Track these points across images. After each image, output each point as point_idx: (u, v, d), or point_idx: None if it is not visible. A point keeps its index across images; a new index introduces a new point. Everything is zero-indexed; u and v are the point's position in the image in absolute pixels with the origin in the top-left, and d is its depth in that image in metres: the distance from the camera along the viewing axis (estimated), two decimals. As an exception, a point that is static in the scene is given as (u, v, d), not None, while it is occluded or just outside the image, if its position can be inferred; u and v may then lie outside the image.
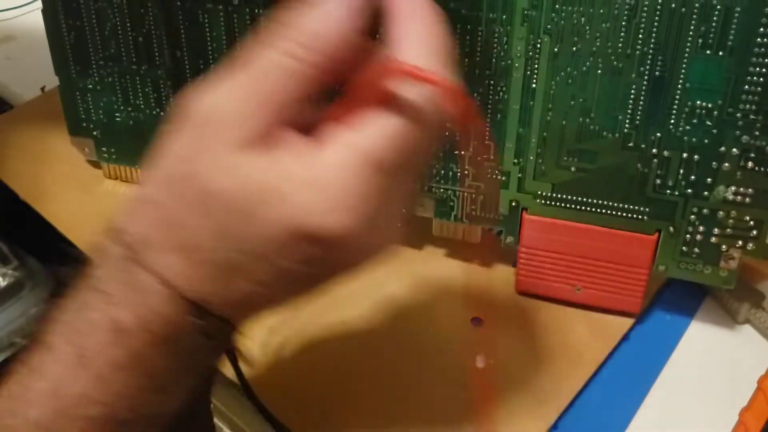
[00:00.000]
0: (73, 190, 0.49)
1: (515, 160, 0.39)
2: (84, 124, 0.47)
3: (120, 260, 0.25)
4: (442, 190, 0.41)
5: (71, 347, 0.24)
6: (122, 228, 0.25)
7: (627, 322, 0.42)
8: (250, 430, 0.40)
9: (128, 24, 0.42)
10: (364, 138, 0.23)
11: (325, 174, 0.23)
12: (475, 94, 0.38)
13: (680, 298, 0.43)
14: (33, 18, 0.42)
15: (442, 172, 0.41)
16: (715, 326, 0.42)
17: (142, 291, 0.24)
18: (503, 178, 0.40)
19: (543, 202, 0.40)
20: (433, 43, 0.24)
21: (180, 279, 0.24)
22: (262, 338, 0.41)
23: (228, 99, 0.23)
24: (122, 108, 0.45)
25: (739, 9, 0.32)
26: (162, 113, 0.45)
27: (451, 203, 0.42)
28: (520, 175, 0.39)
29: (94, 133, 0.47)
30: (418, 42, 0.24)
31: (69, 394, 0.24)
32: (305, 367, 0.40)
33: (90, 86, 0.45)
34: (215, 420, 0.43)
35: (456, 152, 0.40)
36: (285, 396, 0.38)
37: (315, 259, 0.24)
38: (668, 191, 0.37)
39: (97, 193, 0.49)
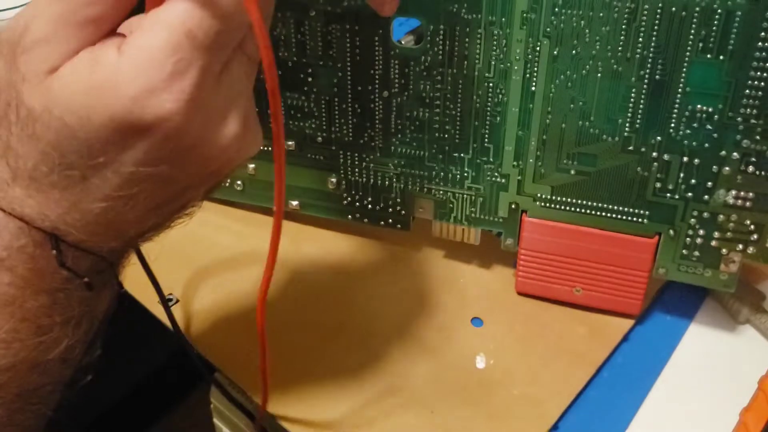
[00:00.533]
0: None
1: (515, 163, 0.39)
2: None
3: None
4: (441, 192, 0.41)
5: None
6: None
7: (627, 323, 0.42)
8: (250, 430, 0.40)
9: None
10: (168, 12, 0.23)
11: (135, 58, 0.22)
12: (474, 97, 0.38)
13: (681, 298, 0.43)
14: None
15: (442, 174, 0.41)
16: (715, 326, 0.42)
17: None
18: (503, 181, 0.40)
19: (543, 204, 0.40)
20: None
21: (27, 208, 0.24)
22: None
23: (38, 23, 0.23)
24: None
25: (739, 13, 0.32)
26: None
27: (451, 205, 0.42)
28: (519, 177, 0.39)
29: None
30: None
31: None
32: (304, 368, 0.40)
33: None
34: (215, 420, 0.43)
35: (455, 155, 0.40)
36: (284, 396, 0.38)
37: (156, 156, 0.24)
38: (668, 195, 0.37)
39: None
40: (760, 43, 0.32)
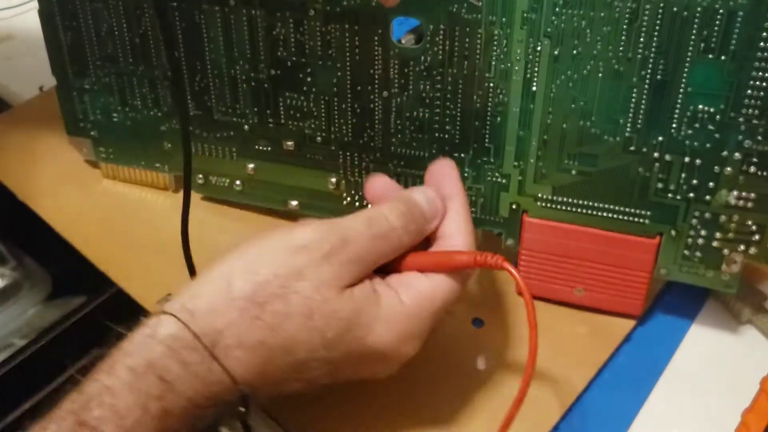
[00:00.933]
0: (72, 190, 0.49)
1: (515, 163, 0.39)
2: (81, 124, 0.47)
3: (190, 348, 0.28)
4: (441, 192, 0.41)
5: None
6: (206, 318, 0.29)
7: (629, 323, 0.42)
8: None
9: (124, 25, 0.42)
10: (427, 307, 0.33)
11: (414, 309, 0.32)
12: (475, 96, 0.38)
13: (682, 298, 0.43)
14: (31, 18, 0.42)
15: (442, 174, 0.41)
16: (717, 327, 0.42)
17: (208, 380, 0.29)
18: (504, 181, 0.40)
19: (544, 204, 0.39)
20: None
21: (240, 370, 0.29)
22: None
23: (358, 247, 0.31)
24: (119, 108, 0.45)
25: (741, 14, 0.32)
26: (159, 113, 0.45)
27: (451, 205, 0.41)
28: (520, 177, 0.39)
29: (92, 133, 0.47)
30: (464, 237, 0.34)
31: None
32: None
33: (87, 87, 0.45)
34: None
35: (456, 155, 0.40)
36: (284, 398, 0.38)
37: (367, 368, 0.33)
38: (670, 195, 0.37)
39: (96, 193, 0.49)
40: (762, 44, 0.32)
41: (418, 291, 0.32)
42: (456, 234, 0.34)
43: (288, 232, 0.31)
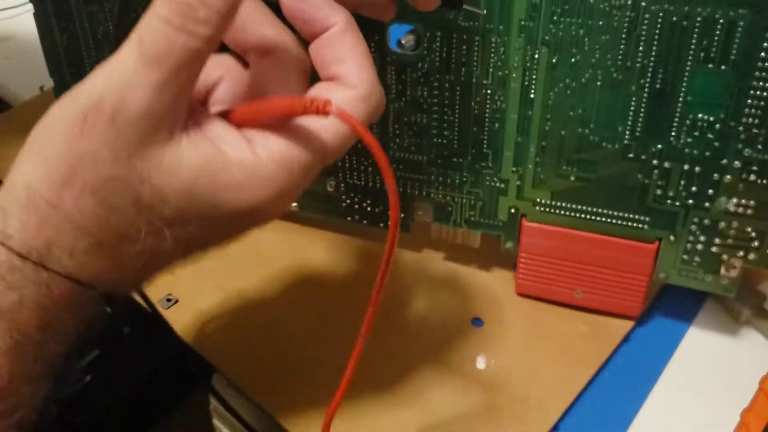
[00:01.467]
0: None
1: (514, 169, 0.39)
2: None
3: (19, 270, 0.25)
4: (440, 196, 0.41)
5: None
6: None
7: (628, 323, 0.42)
8: (249, 430, 0.41)
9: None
10: (289, 156, 0.27)
11: (274, 166, 0.26)
12: (472, 103, 0.37)
13: (682, 298, 0.43)
14: (31, 18, 0.42)
15: (441, 178, 0.40)
16: (716, 327, 0.42)
17: (52, 296, 0.25)
18: (502, 186, 0.39)
19: (542, 209, 0.39)
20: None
21: (98, 274, 0.26)
22: (260, 336, 0.41)
23: (144, 94, 0.24)
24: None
25: (742, 24, 0.31)
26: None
27: (450, 209, 0.41)
28: (519, 183, 0.39)
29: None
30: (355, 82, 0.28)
31: None
32: (303, 367, 0.40)
33: (85, 89, 0.45)
34: (214, 421, 0.43)
35: (454, 160, 0.39)
36: (284, 397, 0.39)
37: (231, 229, 0.28)
38: (669, 201, 0.37)
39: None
40: (762, 54, 0.32)
41: (279, 143, 0.27)
42: (341, 60, 0.28)
43: (65, 104, 0.25)
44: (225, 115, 0.27)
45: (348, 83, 0.27)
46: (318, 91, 0.28)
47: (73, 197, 0.24)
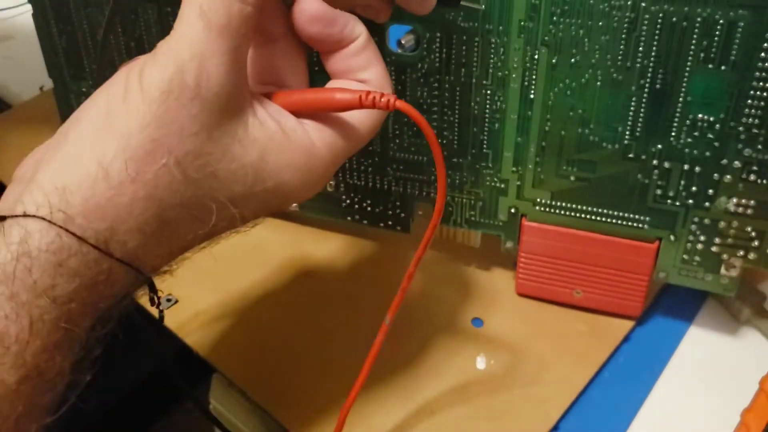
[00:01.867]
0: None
1: (513, 169, 0.39)
2: (81, 126, 0.46)
3: (78, 255, 0.23)
4: (440, 196, 0.41)
5: None
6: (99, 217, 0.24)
7: (628, 323, 0.42)
8: (250, 430, 0.41)
9: (120, 29, 0.41)
10: (339, 145, 0.28)
11: (327, 153, 0.28)
12: (472, 103, 0.37)
13: (682, 298, 0.43)
14: (31, 18, 0.42)
15: (441, 178, 0.40)
16: (717, 326, 0.42)
17: (109, 281, 0.24)
18: (502, 186, 0.39)
19: (542, 209, 0.39)
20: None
21: (150, 257, 0.25)
22: (260, 336, 0.41)
23: (220, 64, 0.24)
24: (118, 111, 0.45)
25: (742, 24, 0.31)
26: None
27: (450, 209, 0.41)
28: (519, 183, 0.39)
29: (92, 134, 0.47)
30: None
31: None
32: (303, 367, 0.40)
33: (84, 90, 0.45)
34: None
35: (454, 160, 0.39)
36: (282, 397, 0.39)
37: (280, 205, 0.29)
38: (669, 201, 0.37)
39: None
40: (763, 54, 0.32)
41: (331, 132, 0.28)
42: (366, 67, 0.29)
43: (133, 77, 0.24)
44: (283, 97, 0.28)
45: (374, 87, 0.29)
46: (346, 82, 0.29)
47: (154, 170, 0.24)
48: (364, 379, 0.32)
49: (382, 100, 0.26)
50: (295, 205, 0.45)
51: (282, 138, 0.26)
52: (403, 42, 0.38)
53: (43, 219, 0.22)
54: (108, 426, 0.37)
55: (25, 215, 0.23)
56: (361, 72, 0.29)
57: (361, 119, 0.29)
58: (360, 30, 0.28)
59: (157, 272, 0.26)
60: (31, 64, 0.43)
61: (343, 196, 0.43)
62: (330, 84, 0.29)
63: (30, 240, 0.22)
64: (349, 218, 0.44)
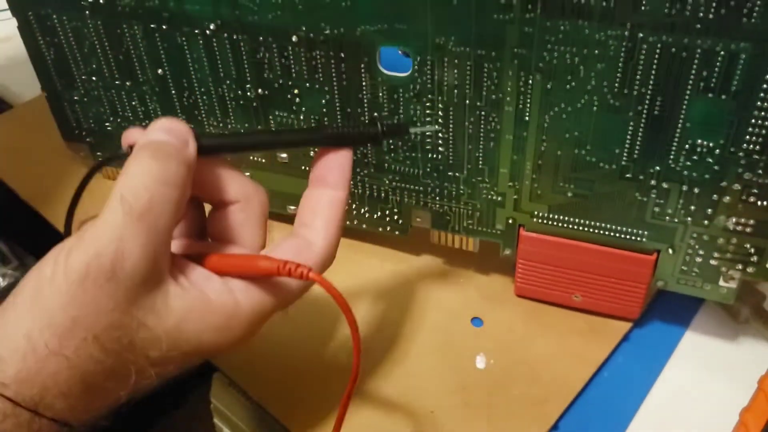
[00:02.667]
0: (73, 190, 0.49)
1: (510, 183, 0.38)
2: (76, 131, 0.46)
3: (11, 416, 0.26)
4: (438, 205, 0.41)
5: None
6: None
7: (628, 323, 0.42)
8: (250, 430, 0.42)
9: (106, 43, 0.40)
10: (265, 304, 0.30)
11: (250, 314, 0.30)
12: (466, 123, 0.36)
13: (681, 298, 0.42)
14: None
15: (437, 190, 0.40)
16: (715, 326, 0.42)
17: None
18: (499, 198, 0.39)
19: (540, 221, 0.39)
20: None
21: (78, 414, 0.27)
22: (260, 336, 0.42)
23: (135, 247, 0.26)
24: (112, 119, 0.44)
25: (744, 56, 0.30)
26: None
27: (448, 217, 0.41)
28: (515, 196, 0.38)
29: (88, 139, 0.46)
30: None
31: None
32: (303, 368, 0.41)
33: (77, 98, 0.44)
34: (215, 420, 0.45)
35: (450, 173, 0.39)
36: (282, 397, 0.39)
37: (201, 359, 0.31)
38: (667, 218, 0.36)
39: (98, 193, 0.49)
40: (765, 85, 0.31)
41: (257, 291, 0.30)
42: (320, 228, 0.31)
43: (60, 259, 0.27)
44: (199, 259, 0.30)
45: (318, 243, 0.31)
46: (292, 243, 0.31)
47: (74, 345, 0.26)
48: (352, 387, 0.34)
49: (297, 270, 0.28)
50: (293, 208, 0.44)
51: (202, 303, 0.28)
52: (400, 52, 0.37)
53: None
54: (108, 426, 0.38)
55: None
56: (318, 219, 0.32)
57: (287, 280, 0.30)
58: (342, 187, 0.32)
59: (87, 425, 0.28)
60: (31, 65, 0.43)
61: (341, 202, 0.43)
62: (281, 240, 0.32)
63: None
64: (347, 222, 0.44)
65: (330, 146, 0.32)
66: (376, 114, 0.38)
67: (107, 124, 0.45)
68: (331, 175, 0.32)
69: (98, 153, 0.47)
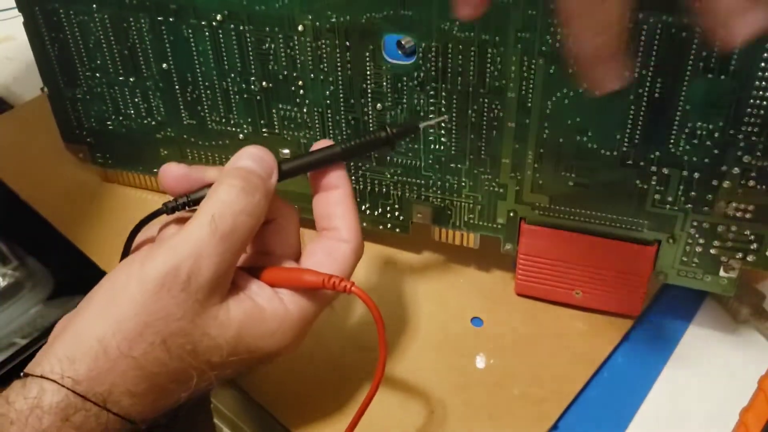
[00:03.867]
0: (73, 190, 0.49)
1: (512, 174, 0.38)
2: (77, 132, 0.46)
3: (82, 410, 0.28)
4: (439, 200, 0.41)
5: None
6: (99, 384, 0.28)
7: (627, 322, 0.42)
8: (250, 430, 0.41)
9: (112, 38, 0.41)
10: (311, 310, 0.33)
11: (296, 319, 0.32)
12: (469, 111, 0.37)
13: (681, 297, 0.43)
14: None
15: (439, 183, 0.40)
16: (715, 326, 0.42)
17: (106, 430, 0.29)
18: (501, 190, 0.39)
19: (541, 212, 0.39)
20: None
21: (144, 412, 0.30)
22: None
23: (212, 264, 0.29)
24: (113, 117, 0.44)
25: (742, 34, 0.31)
26: (153, 122, 0.44)
27: (449, 212, 0.41)
28: (517, 188, 0.39)
29: (88, 139, 0.46)
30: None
31: None
32: (303, 367, 0.40)
33: (79, 96, 0.44)
34: (215, 420, 0.44)
35: (452, 165, 0.39)
36: (283, 396, 0.39)
37: (258, 365, 0.33)
38: (668, 206, 0.37)
39: (97, 193, 0.49)
40: (763, 64, 0.31)
41: (302, 298, 0.32)
42: (341, 217, 0.34)
43: (139, 270, 0.29)
44: (256, 272, 0.33)
45: (344, 237, 0.34)
46: (323, 246, 0.34)
47: (143, 348, 0.29)
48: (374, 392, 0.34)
49: (341, 285, 0.32)
50: (296, 207, 0.44)
51: (257, 312, 0.31)
52: (403, 42, 0.38)
53: (55, 381, 0.28)
54: (165, 423, 0.38)
55: (42, 376, 0.28)
56: (336, 219, 0.34)
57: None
58: (341, 183, 0.34)
59: (148, 422, 0.30)
60: (32, 65, 0.43)
61: (342, 200, 0.43)
62: (310, 245, 0.34)
63: (44, 396, 0.28)
64: (348, 221, 0.44)
65: (347, 160, 0.35)
66: (379, 105, 0.38)
67: (109, 123, 0.45)
68: (331, 179, 0.35)
69: (97, 154, 0.47)
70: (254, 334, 0.31)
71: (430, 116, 0.38)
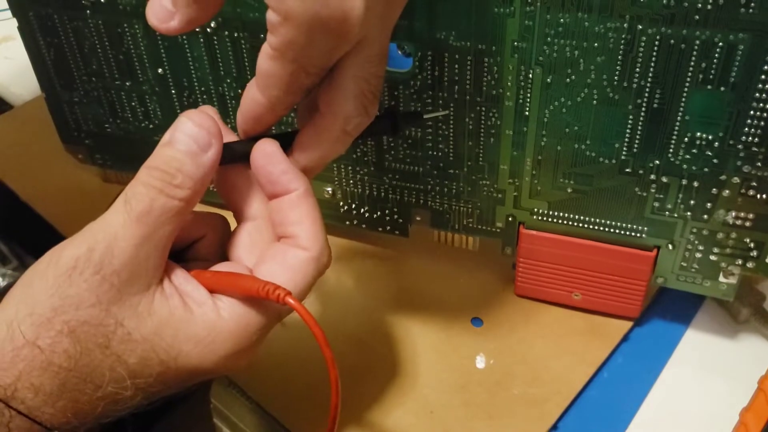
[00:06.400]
0: (73, 190, 0.49)
1: (510, 180, 0.38)
2: (75, 134, 0.46)
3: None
4: (438, 204, 0.41)
5: None
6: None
7: (627, 323, 0.42)
8: (250, 430, 0.42)
9: (107, 42, 0.40)
10: (250, 321, 0.29)
11: (233, 325, 0.29)
12: (466, 119, 0.37)
13: (681, 298, 0.43)
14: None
15: (437, 188, 0.40)
16: (715, 326, 0.42)
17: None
18: (499, 196, 0.39)
19: (540, 218, 0.39)
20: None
21: (59, 416, 0.27)
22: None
23: (128, 247, 0.27)
24: (111, 120, 0.44)
25: (742, 47, 0.30)
26: (151, 125, 0.44)
27: (448, 216, 0.41)
28: (515, 193, 0.39)
29: (86, 141, 0.46)
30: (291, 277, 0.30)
31: None
32: (303, 367, 0.40)
33: (76, 99, 0.44)
34: (215, 420, 0.44)
35: (450, 171, 0.39)
36: (282, 397, 0.39)
37: (186, 379, 0.29)
38: (667, 213, 0.36)
39: (97, 193, 0.49)
40: (763, 76, 0.31)
41: (242, 307, 0.29)
42: (298, 222, 0.30)
43: (55, 254, 0.27)
44: (200, 274, 0.30)
45: (302, 244, 0.30)
46: (277, 252, 0.30)
47: (50, 337, 0.26)
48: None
49: (275, 293, 0.28)
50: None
51: (184, 313, 0.28)
52: (405, 48, 0.38)
53: None
54: (108, 426, 0.38)
55: None
56: (291, 226, 0.30)
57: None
58: (298, 185, 0.30)
59: (65, 428, 0.28)
60: (31, 65, 0.43)
61: (341, 202, 0.43)
62: (265, 253, 0.31)
63: None
64: (347, 222, 0.44)
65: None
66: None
67: (107, 125, 0.45)
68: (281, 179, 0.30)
69: (96, 156, 0.47)
70: (177, 335, 0.28)
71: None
